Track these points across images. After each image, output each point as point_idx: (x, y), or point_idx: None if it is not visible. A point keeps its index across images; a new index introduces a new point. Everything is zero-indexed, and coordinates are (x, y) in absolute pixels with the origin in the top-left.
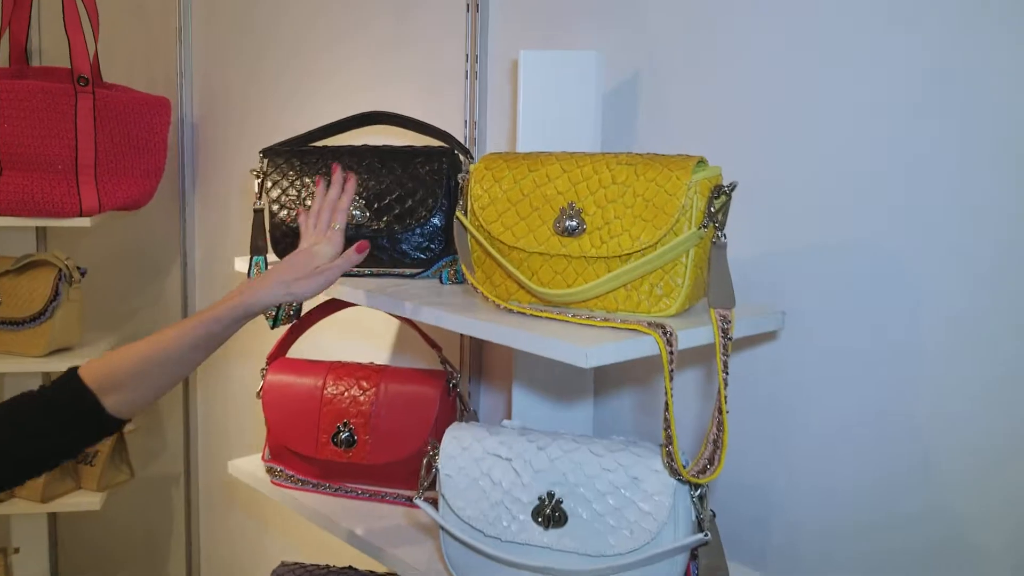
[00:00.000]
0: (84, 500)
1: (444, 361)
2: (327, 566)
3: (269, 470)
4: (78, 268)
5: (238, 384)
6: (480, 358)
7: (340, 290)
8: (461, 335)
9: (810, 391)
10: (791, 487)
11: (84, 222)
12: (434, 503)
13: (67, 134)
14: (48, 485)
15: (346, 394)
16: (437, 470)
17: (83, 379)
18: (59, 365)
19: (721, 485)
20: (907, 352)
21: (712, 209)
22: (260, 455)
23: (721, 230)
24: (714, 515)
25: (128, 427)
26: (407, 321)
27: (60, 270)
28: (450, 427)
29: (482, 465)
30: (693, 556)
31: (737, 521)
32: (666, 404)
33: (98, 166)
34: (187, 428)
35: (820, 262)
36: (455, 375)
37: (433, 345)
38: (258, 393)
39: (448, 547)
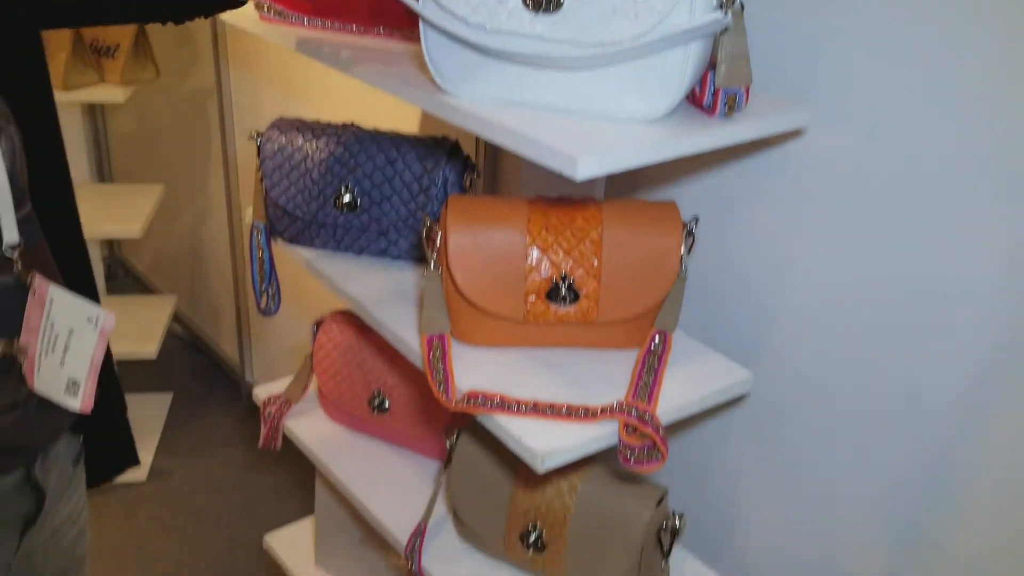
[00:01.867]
0: (108, 93)
1: None
2: (328, 122)
3: (257, 5)
4: None
5: None
6: None
7: None
8: None
9: None
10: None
11: None
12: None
13: None
14: (69, 73)
15: None
16: None
17: None
18: None
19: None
20: None
21: None
22: None
23: None
24: (743, 7)
25: None
26: None
27: None
28: None
29: None
30: (712, 69)
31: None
32: None
33: None
34: (215, 41)
35: None
36: None
37: None
38: None
39: (430, 45)
